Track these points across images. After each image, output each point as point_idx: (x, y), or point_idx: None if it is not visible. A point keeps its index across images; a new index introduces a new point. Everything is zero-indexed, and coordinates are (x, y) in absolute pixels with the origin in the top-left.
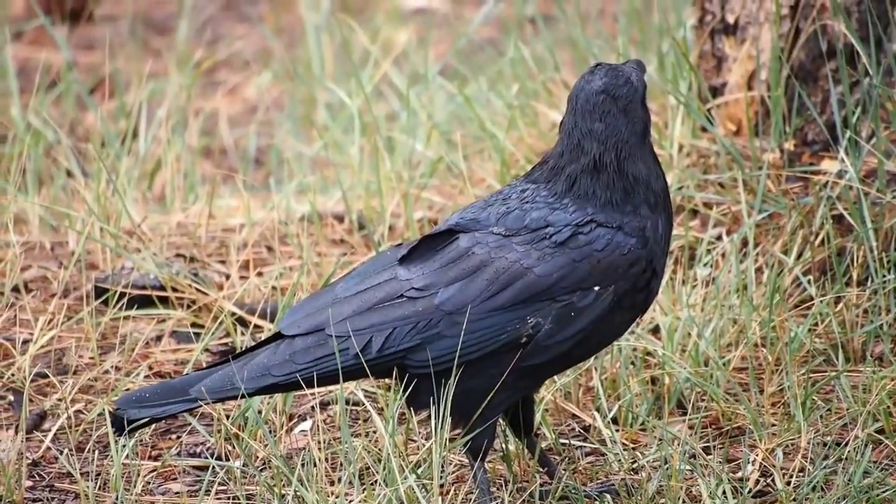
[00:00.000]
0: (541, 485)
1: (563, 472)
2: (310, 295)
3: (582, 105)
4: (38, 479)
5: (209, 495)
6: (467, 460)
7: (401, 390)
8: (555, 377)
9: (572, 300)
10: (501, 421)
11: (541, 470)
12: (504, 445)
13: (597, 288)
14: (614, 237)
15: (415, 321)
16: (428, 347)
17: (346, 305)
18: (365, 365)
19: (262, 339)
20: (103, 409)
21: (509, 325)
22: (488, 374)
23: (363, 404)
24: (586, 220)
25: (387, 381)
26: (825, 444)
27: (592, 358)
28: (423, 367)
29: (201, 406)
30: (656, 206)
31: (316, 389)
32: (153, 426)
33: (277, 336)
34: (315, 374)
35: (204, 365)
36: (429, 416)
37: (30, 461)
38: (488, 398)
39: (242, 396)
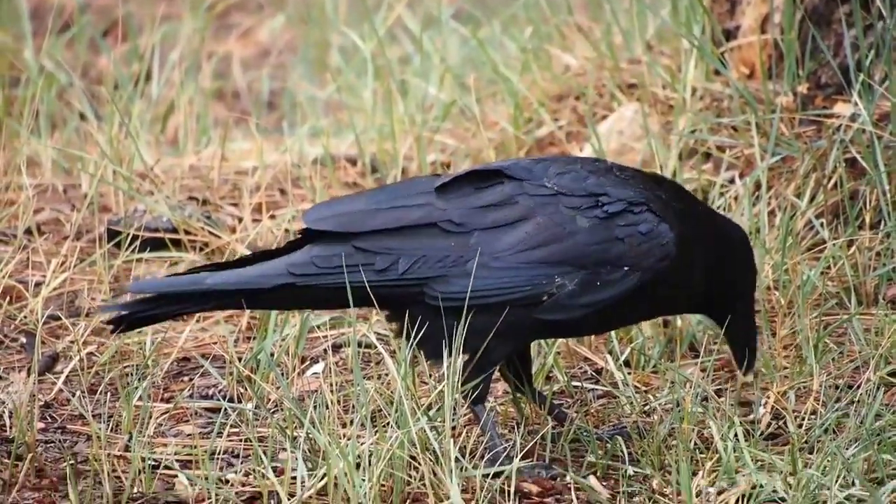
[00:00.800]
0: (552, 427)
1: (574, 414)
2: (335, 198)
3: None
4: (50, 420)
5: (221, 437)
6: (469, 406)
7: (412, 332)
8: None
9: (601, 271)
10: (499, 373)
11: (551, 417)
12: (513, 390)
13: (626, 268)
14: (659, 225)
15: (445, 253)
16: (451, 281)
17: (377, 217)
18: (382, 284)
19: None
20: (116, 350)
21: (536, 280)
22: (499, 321)
23: (375, 347)
24: (640, 200)
25: (393, 325)
26: (837, 387)
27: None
28: (441, 299)
29: (211, 295)
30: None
31: (327, 321)
32: (163, 367)
33: (295, 245)
34: (333, 281)
35: None
36: (436, 354)
37: (42, 403)
38: (494, 345)
39: (257, 292)
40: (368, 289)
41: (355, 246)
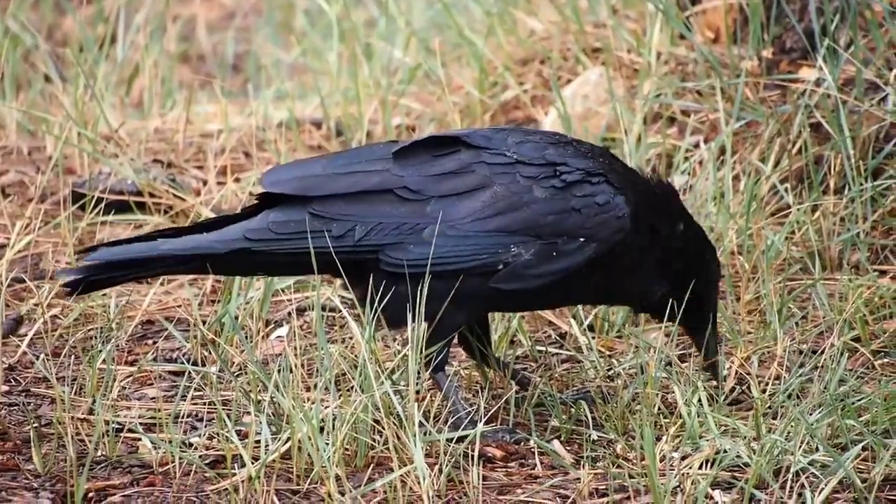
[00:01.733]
0: (516, 392)
1: (538, 379)
2: (293, 161)
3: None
4: (14, 384)
5: (185, 401)
6: (430, 375)
7: (374, 298)
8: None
9: (557, 242)
10: (458, 342)
11: (513, 382)
12: (474, 356)
13: (581, 239)
14: (615, 198)
15: (401, 221)
16: (406, 248)
17: (333, 182)
18: (337, 251)
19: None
20: (80, 313)
21: (491, 249)
22: (456, 289)
23: (339, 311)
24: (598, 171)
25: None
26: (801, 353)
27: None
28: (395, 265)
29: (168, 260)
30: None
31: (291, 284)
32: (128, 331)
33: (252, 211)
34: (290, 247)
35: None
36: (397, 325)
37: (6, 366)
38: (451, 313)
39: (213, 258)
40: (313, 254)
41: (312, 212)
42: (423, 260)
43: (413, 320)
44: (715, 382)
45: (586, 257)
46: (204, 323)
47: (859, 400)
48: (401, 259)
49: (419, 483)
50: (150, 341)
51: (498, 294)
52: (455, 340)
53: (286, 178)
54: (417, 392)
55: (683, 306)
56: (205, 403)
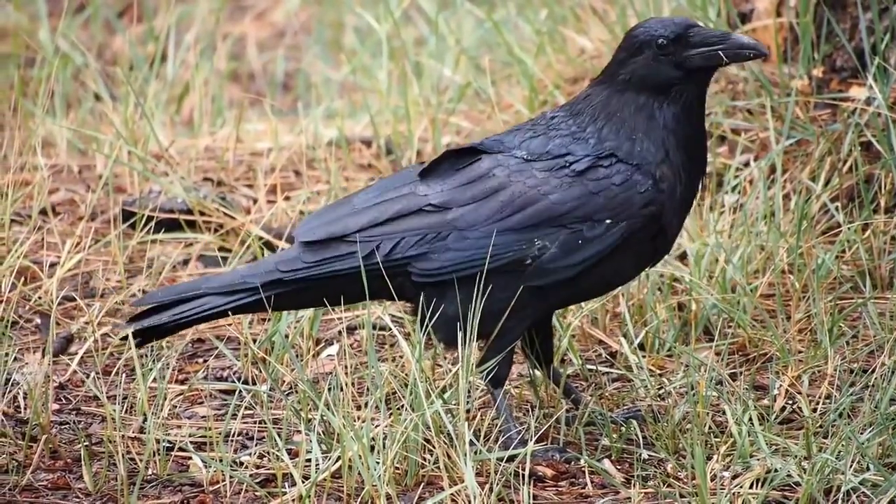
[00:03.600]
0: (567, 410)
1: (589, 398)
2: (327, 205)
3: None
4: (64, 402)
5: (235, 419)
6: (487, 388)
7: (426, 315)
8: (576, 306)
9: (582, 229)
10: (519, 351)
11: (566, 399)
12: (531, 371)
13: (608, 221)
14: (633, 174)
15: (423, 232)
16: (432, 258)
17: (363, 216)
18: (367, 271)
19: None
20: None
21: (515, 245)
22: (495, 295)
23: (390, 329)
24: (606, 153)
25: (407, 305)
26: (852, 371)
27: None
28: (425, 275)
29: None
30: (678, 171)
31: (341, 310)
32: (178, 349)
33: None
34: (320, 273)
35: None
36: (446, 335)
37: (56, 384)
38: (498, 323)
39: (248, 291)
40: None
41: (341, 240)
42: (449, 265)
43: (461, 334)
44: None
45: (617, 238)
46: (254, 341)
47: None
48: (428, 269)
49: (470, 502)
50: (200, 360)
51: (537, 294)
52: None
53: (318, 224)
54: (468, 411)
55: None
56: (255, 422)
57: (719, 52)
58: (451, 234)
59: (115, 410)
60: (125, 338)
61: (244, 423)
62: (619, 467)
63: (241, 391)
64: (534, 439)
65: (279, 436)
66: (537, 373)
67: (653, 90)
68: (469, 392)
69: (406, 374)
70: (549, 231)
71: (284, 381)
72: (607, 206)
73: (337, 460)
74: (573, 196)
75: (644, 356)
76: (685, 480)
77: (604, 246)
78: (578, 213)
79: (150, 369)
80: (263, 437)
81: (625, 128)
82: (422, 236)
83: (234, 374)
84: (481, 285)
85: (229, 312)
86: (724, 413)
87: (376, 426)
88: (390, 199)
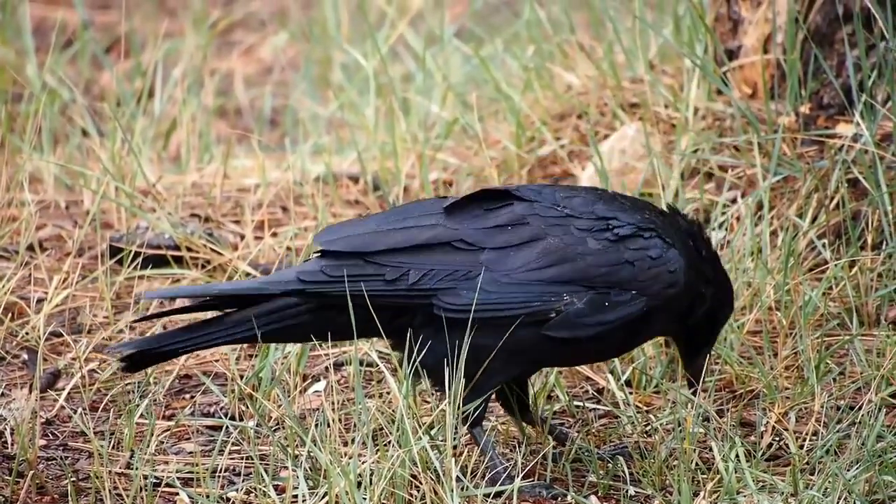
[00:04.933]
0: (553, 447)
1: (576, 434)
2: (346, 220)
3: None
4: (51, 437)
5: (222, 455)
6: (467, 430)
7: (415, 350)
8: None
9: (610, 293)
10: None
11: (551, 438)
12: (512, 414)
13: (633, 292)
14: (668, 251)
15: (455, 267)
16: (460, 293)
17: (388, 237)
18: (391, 295)
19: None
20: (117, 368)
21: (544, 296)
22: (510, 338)
23: (377, 365)
24: (649, 226)
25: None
26: (839, 408)
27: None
28: (449, 310)
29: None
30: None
31: (329, 345)
32: (165, 385)
33: None
34: (341, 289)
35: None
36: (439, 376)
37: (44, 420)
38: (496, 367)
39: (267, 299)
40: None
41: (366, 259)
42: (476, 304)
43: (454, 374)
44: (693, 387)
45: (638, 310)
46: (241, 377)
47: None
48: (455, 304)
49: None
50: (187, 395)
51: (547, 347)
52: (493, 396)
53: (341, 235)
54: (455, 447)
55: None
56: (242, 458)
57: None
58: (482, 274)
59: (102, 446)
60: (124, 359)
61: (231, 458)
62: None
63: (228, 427)
64: (520, 475)
65: (266, 472)
66: (515, 418)
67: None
68: (456, 428)
69: (393, 411)
70: (578, 289)
71: (271, 417)
72: (638, 277)
73: (324, 496)
74: (610, 261)
75: (631, 392)
76: None
77: (626, 313)
78: (610, 278)
79: (137, 405)
80: (250, 473)
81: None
82: (452, 271)
83: (221, 409)
84: (500, 329)
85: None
86: (710, 450)
87: (363, 462)
88: (419, 227)
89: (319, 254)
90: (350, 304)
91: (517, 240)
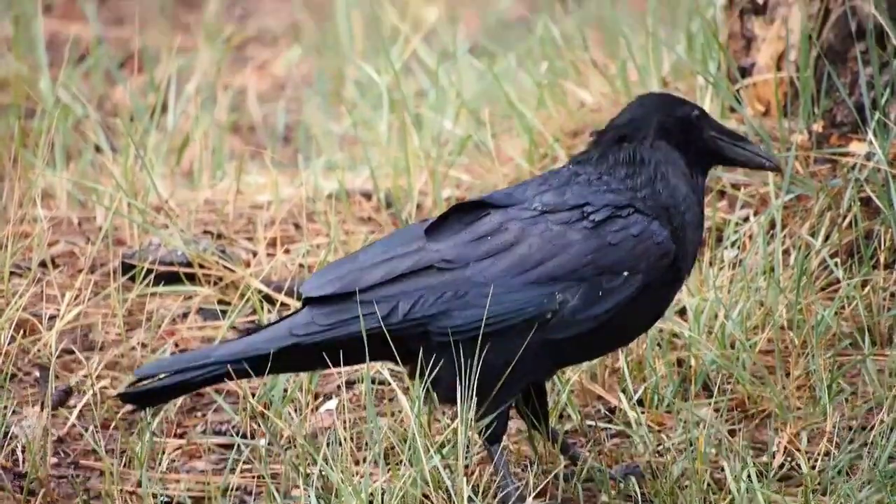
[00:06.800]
0: (565, 466)
1: (587, 454)
2: (332, 262)
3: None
4: (62, 455)
5: (234, 474)
6: (484, 445)
7: (426, 371)
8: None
9: (601, 281)
10: (515, 410)
11: (564, 456)
12: (529, 427)
13: (625, 273)
14: (650, 225)
15: (443, 290)
16: (453, 315)
17: (373, 272)
18: (386, 330)
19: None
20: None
21: (537, 300)
22: (509, 349)
23: (389, 384)
24: (625, 203)
25: (405, 367)
26: (850, 428)
27: (609, 354)
28: (445, 334)
29: (222, 371)
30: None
31: (341, 369)
32: (177, 402)
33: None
34: (336, 335)
35: None
36: (450, 395)
37: (55, 438)
38: (505, 375)
39: (264, 358)
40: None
41: (355, 300)
42: (472, 323)
43: (465, 391)
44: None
45: (633, 290)
46: (253, 395)
47: None
48: (450, 326)
49: None
50: (199, 413)
51: (553, 350)
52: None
53: (325, 280)
54: (466, 466)
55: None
56: (254, 477)
57: (749, 152)
58: (470, 290)
59: (113, 464)
60: (126, 400)
61: (243, 477)
62: None
63: (239, 445)
64: (532, 495)
65: (278, 491)
66: (535, 432)
67: (681, 151)
68: (467, 447)
69: (405, 429)
70: (569, 284)
71: (283, 436)
72: (625, 258)
73: None
74: (592, 247)
75: (643, 412)
76: None
77: (622, 297)
78: (598, 264)
79: (149, 423)
80: (262, 492)
81: (643, 177)
82: (440, 293)
83: (232, 428)
84: (501, 341)
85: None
86: (722, 469)
87: (375, 481)
88: (400, 256)
89: (307, 301)
90: (365, 339)
91: (498, 248)
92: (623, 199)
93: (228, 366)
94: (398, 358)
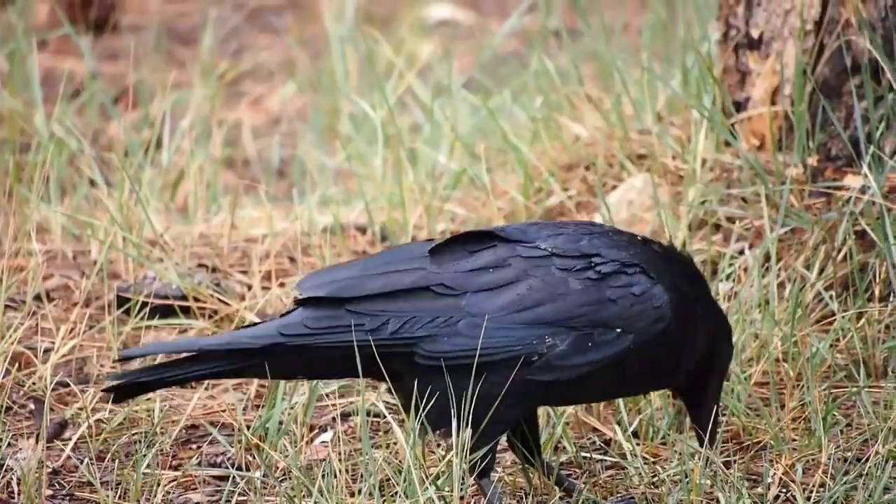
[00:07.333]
0: (560, 498)
1: (583, 485)
2: (333, 265)
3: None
4: (58, 487)
5: None
6: (475, 481)
7: (419, 402)
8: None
9: (593, 333)
10: (505, 443)
11: (558, 489)
12: (522, 461)
13: (618, 330)
14: (653, 288)
15: (435, 314)
16: (441, 341)
17: (369, 283)
18: (373, 345)
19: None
20: (125, 417)
21: (526, 340)
22: (492, 383)
23: (384, 416)
24: (633, 262)
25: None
26: (846, 460)
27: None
28: (431, 358)
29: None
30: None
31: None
32: (172, 435)
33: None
34: (323, 342)
35: None
36: (432, 419)
37: (50, 470)
38: (490, 412)
39: (248, 353)
40: (354, 348)
41: (347, 309)
42: (457, 351)
43: (455, 421)
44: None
45: (624, 348)
46: (248, 428)
47: None
48: (435, 352)
49: None
50: (194, 446)
51: (539, 389)
52: (504, 443)
53: (322, 282)
54: (462, 497)
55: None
56: None
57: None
58: (462, 319)
59: (108, 496)
60: (108, 390)
61: None
62: None
63: (234, 477)
64: None
65: None
66: (529, 465)
67: None
68: (463, 479)
69: (400, 461)
70: (560, 330)
71: (278, 468)
72: (621, 315)
73: None
74: (591, 300)
75: (638, 444)
76: None
77: (611, 352)
78: (593, 318)
79: (144, 455)
80: None
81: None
82: (432, 318)
83: (227, 460)
84: (483, 375)
85: (220, 375)
86: (718, 501)
87: None
88: (399, 272)
89: (299, 303)
90: (356, 350)
91: (497, 282)
92: (634, 259)
93: (213, 357)
94: (385, 375)
